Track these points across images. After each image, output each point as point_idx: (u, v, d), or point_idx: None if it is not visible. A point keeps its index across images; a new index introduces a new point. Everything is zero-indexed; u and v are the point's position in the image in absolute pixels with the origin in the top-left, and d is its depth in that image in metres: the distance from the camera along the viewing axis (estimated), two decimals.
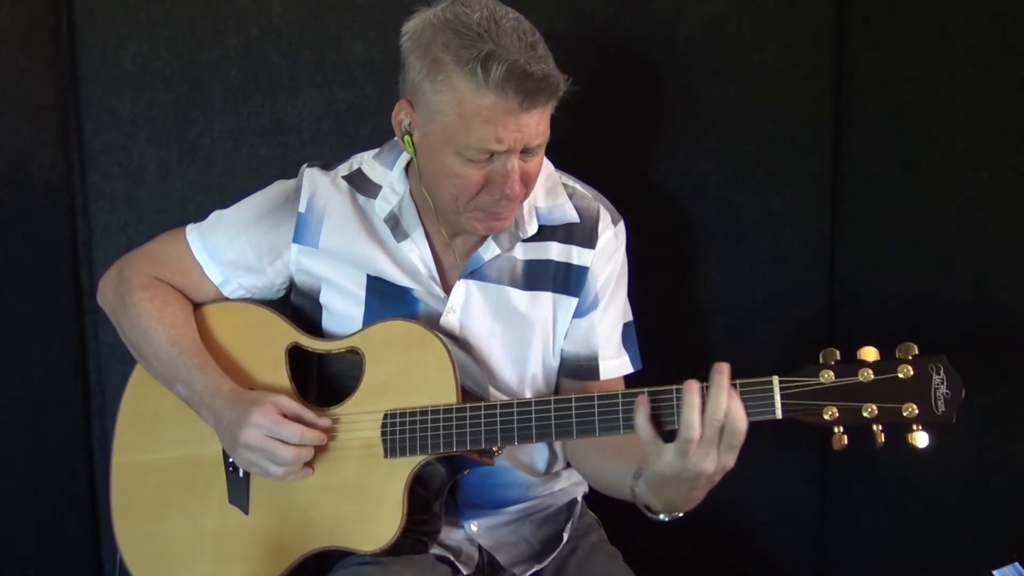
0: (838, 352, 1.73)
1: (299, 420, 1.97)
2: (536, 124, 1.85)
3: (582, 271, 2.13)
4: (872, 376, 1.69)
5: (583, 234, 2.13)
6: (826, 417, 1.71)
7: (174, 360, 2.07)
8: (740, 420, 1.72)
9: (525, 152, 1.88)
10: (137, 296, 2.15)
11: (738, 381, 1.75)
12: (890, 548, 2.59)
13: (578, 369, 2.18)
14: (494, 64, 1.77)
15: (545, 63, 1.81)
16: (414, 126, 1.94)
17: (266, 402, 1.97)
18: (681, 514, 1.89)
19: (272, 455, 1.94)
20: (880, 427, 1.70)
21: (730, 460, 1.76)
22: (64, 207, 2.67)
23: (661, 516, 1.90)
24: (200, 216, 2.23)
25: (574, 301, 2.14)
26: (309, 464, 1.99)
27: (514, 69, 1.77)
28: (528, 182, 1.94)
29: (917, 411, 1.67)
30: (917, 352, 1.69)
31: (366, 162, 2.15)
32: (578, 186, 2.18)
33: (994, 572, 1.98)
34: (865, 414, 1.69)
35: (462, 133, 1.85)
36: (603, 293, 2.16)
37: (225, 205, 2.22)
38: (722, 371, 1.72)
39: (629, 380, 2.22)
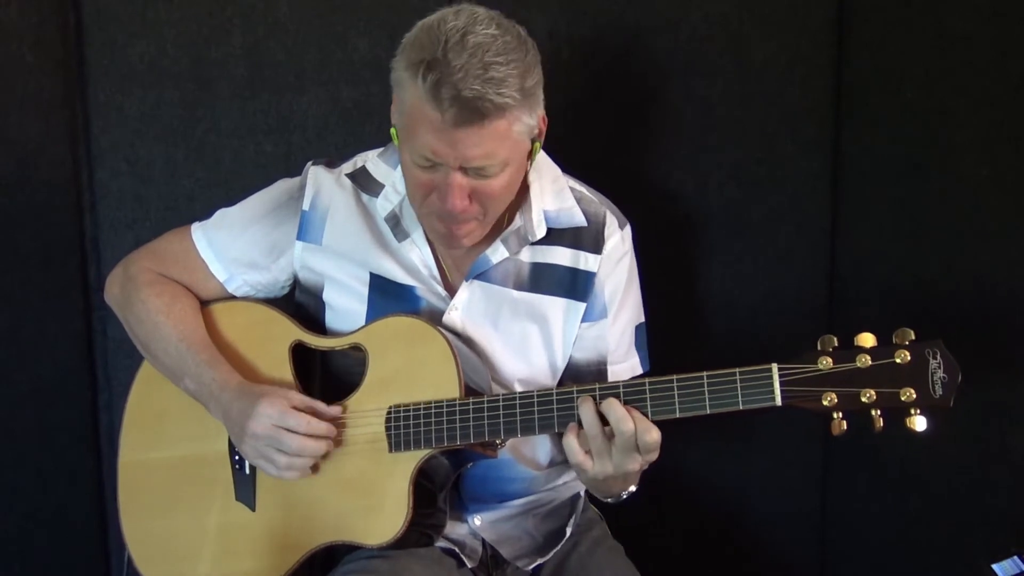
0: (835, 339, 1.75)
1: (310, 410, 1.98)
2: (474, 145, 1.83)
3: (589, 276, 2.13)
4: (870, 362, 1.71)
5: (590, 239, 2.13)
6: (825, 403, 1.73)
7: (183, 355, 2.08)
8: (624, 422, 1.82)
9: (468, 170, 1.87)
10: (145, 292, 2.16)
11: (738, 370, 1.78)
12: (890, 542, 2.59)
13: (587, 375, 2.18)
14: (430, 74, 1.78)
15: (492, 86, 1.78)
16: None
17: (275, 393, 1.98)
18: (625, 495, 2.02)
19: (278, 443, 1.95)
20: (879, 412, 1.72)
21: (652, 457, 1.87)
22: (72, 204, 2.69)
23: (608, 500, 2.04)
24: (206, 213, 2.24)
25: (581, 306, 2.14)
26: (304, 479, 2.01)
27: (446, 83, 1.77)
28: (483, 201, 1.93)
29: (915, 395, 1.69)
30: (914, 337, 1.71)
31: (370, 160, 2.16)
32: (585, 190, 2.18)
33: (993, 566, 1.99)
34: (863, 399, 1.71)
35: (409, 134, 1.87)
36: (612, 302, 2.16)
37: (231, 202, 2.23)
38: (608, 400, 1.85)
39: None
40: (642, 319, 2.25)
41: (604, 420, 1.83)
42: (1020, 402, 2.25)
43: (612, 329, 2.18)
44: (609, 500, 2.06)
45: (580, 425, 1.86)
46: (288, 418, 1.95)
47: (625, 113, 2.66)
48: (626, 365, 2.21)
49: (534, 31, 1.91)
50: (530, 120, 1.89)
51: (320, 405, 1.99)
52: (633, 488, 2.01)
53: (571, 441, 1.87)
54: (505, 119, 1.83)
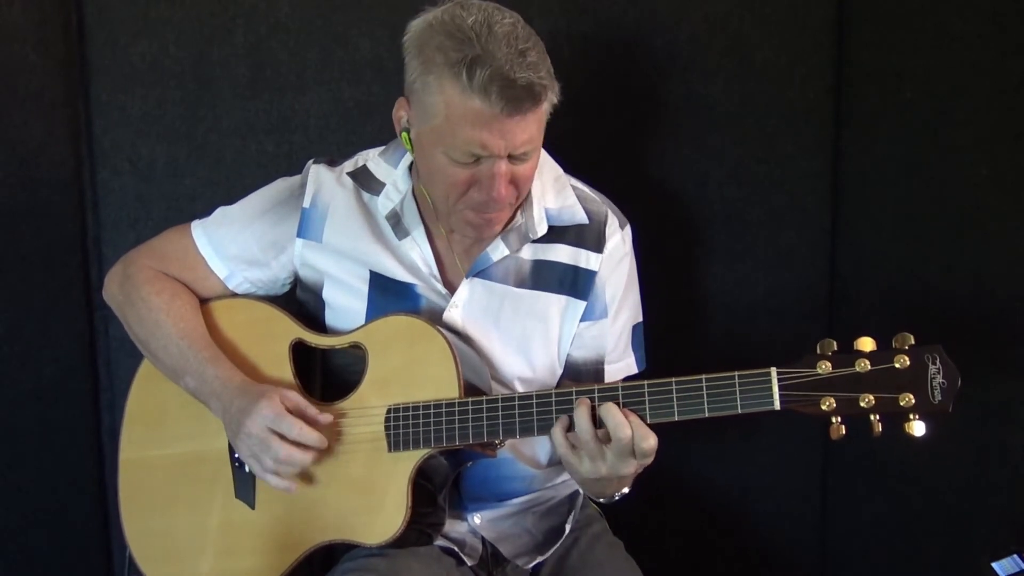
0: (835, 343, 1.75)
1: (299, 413, 1.98)
2: (522, 131, 1.86)
3: (590, 275, 2.14)
4: (869, 366, 1.71)
5: (591, 237, 2.14)
6: (824, 408, 1.73)
7: (184, 352, 2.09)
8: (621, 428, 1.81)
9: (513, 157, 1.89)
10: (145, 291, 2.16)
11: (736, 373, 1.78)
12: (890, 540, 2.60)
13: (585, 373, 2.19)
14: (478, 69, 1.78)
15: (533, 70, 1.81)
16: (411, 124, 1.97)
17: (275, 394, 1.98)
18: (618, 496, 2.02)
19: (267, 448, 1.95)
20: (877, 417, 1.72)
21: (647, 462, 1.86)
22: (74, 203, 2.70)
23: (601, 500, 2.04)
24: (208, 212, 2.24)
25: (581, 304, 2.14)
26: (304, 477, 2.02)
27: (497, 75, 1.78)
28: (519, 184, 1.95)
29: (914, 401, 1.69)
30: (913, 342, 1.71)
31: (372, 159, 2.16)
32: (587, 189, 2.19)
33: (993, 564, 2.00)
34: (862, 404, 1.71)
35: (449, 135, 1.87)
36: (612, 303, 2.17)
37: (232, 202, 2.23)
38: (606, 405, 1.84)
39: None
40: (640, 319, 2.25)
41: (599, 423, 1.84)
42: (1020, 402, 2.25)
43: (611, 329, 2.18)
44: (602, 500, 2.07)
45: (571, 427, 1.87)
46: (282, 422, 1.95)
47: (626, 113, 2.66)
48: (621, 364, 2.22)
49: (534, 31, 1.91)
50: (555, 99, 1.92)
51: (311, 410, 1.99)
52: (626, 490, 2.01)
53: (557, 433, 1.87)
54: (546, 100, 1.88)
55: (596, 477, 1.87)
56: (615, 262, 2.16)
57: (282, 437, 1.95)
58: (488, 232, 2.03)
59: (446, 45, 1.83)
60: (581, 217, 2.13)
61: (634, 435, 1.80)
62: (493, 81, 1.78)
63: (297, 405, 1.99)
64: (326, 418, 1.99)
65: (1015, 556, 2.00)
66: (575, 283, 2.13)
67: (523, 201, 2.08)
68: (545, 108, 1.89)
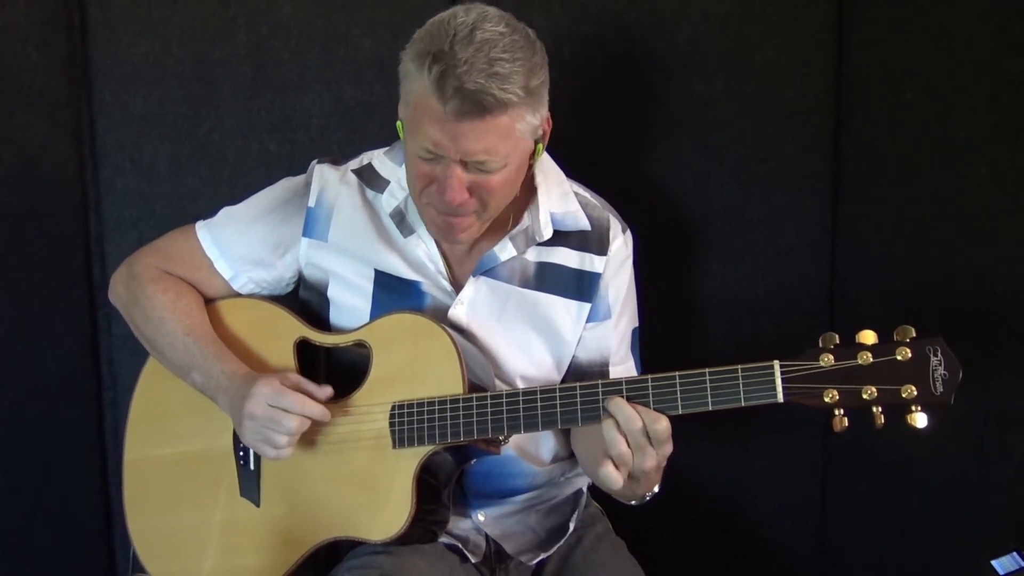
0: (837, 336, 1.76)
1: (298, 388, 1.99)
2: (475, 139, 1.85)
3: (594, 277, 2.15)
4: (871, 359, 1.72)
5: (595, 241, 2.15)
6: (827, 400, 1.74)
7: (190, 348, 2.10)
8: (632, 420, 1.81)
9: (468, 164, 1.89)
10: (150, 289, 2.17)
11: (740, 366, 1.79)
12: (890, 538, 2.60)
13: (590, 376, 2.19)
14: (435, 65, 1.80)
15: (496, 81, 1.80)
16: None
17: (272, 376, 1.99)
18: (648, 496, 2.00)
19: (276, 424, 1.95)
20: (880, 409, 1.72)
21: (666, 450, 1.85)
22: (76, 202, 2.70)
23: (632, 502, 2.01)
24: (210, 212, 2.25)
25: (586, 307, 2.15)
26: (308, 475, 2.03)
27: (449, 75, 1.79)
28: (483, 195, 1.94)
29: (916, 392, 1.70)
30: (915, 334, 1.72)
31: (377, 158, 2.17)
32: (588, 195, 2.20)
33: (993, 562, 2.00)
34: (865, 396, 1.72)
35: (414, 126, 1.89)
36: (615, 304, 2.18)
37: (235, 201, 2.24)
38: (614, 400, 1.84)
39: None
40: (637, 323, 2.27)
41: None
42: (1020, 401, 2.26)
43: (615, 331, 2.19)
44: (633, 503, 2.03)
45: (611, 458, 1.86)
46: (283, 398, 1.95)
47: (626, 113, 2.66)
48: (622, 368, 2.22)
49: (536, 30, 1.92)
50: (533, 119, 1.91)
51: (311, 385, 2.00)
52: (656, 489, 1.99)
53: (610, 470, 1.86)
54: (507, 115, 1.85)
55: (640, 471, 1.86)
56: (618, 264, 2.18)
57: (287, 412, 1.96)
58: (451, 237, 2.04)
59: (426, 38, 1.85)
60: (584, 223, 2.14)
61: (644, 421, 1.80)
62: (444, 79, 1.79)
63: (294, 381, 2.00)
64: (325, 390, 2.00)
65: (1015, 554, 2.01)
66: (580, 286, 2.15)
67: (530, 203, 2.10)
68: (515, 126, 1.88)
